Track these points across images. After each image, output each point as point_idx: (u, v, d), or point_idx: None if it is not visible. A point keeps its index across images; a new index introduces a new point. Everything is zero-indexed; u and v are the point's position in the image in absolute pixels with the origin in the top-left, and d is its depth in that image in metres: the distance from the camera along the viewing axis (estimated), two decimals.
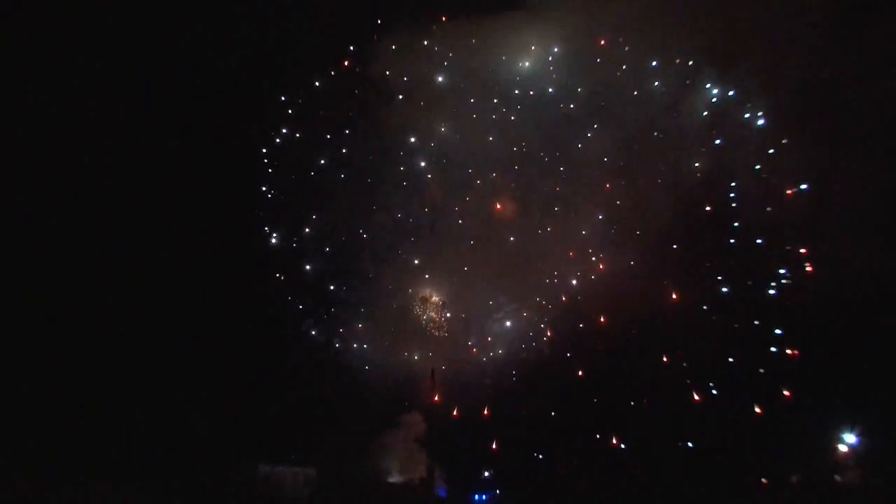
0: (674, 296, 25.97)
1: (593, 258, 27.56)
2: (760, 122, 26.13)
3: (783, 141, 25.55)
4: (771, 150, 25.83)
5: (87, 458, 21.45)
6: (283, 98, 29.23)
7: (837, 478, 22.88)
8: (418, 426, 25.57)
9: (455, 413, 26.00)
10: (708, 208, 26.71)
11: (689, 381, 24.91)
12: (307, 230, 28.68)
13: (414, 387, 26.48)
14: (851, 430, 22.84)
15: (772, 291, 25.35)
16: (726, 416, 24.28)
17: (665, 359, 25.43)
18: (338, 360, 27.58)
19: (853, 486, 22.36)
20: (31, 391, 22.76)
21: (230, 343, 25.64)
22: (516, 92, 29.03)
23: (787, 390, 24.11)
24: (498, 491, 25.28)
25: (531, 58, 28.66)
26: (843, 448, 22.94)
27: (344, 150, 29.01)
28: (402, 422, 25.78)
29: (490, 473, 25.51)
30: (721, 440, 24.17)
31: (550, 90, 28.78)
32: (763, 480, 23.72)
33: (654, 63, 27.76)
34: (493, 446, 25.38)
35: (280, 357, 26.91)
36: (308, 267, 28.59)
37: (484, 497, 25.22)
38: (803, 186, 24.89)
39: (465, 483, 25.37)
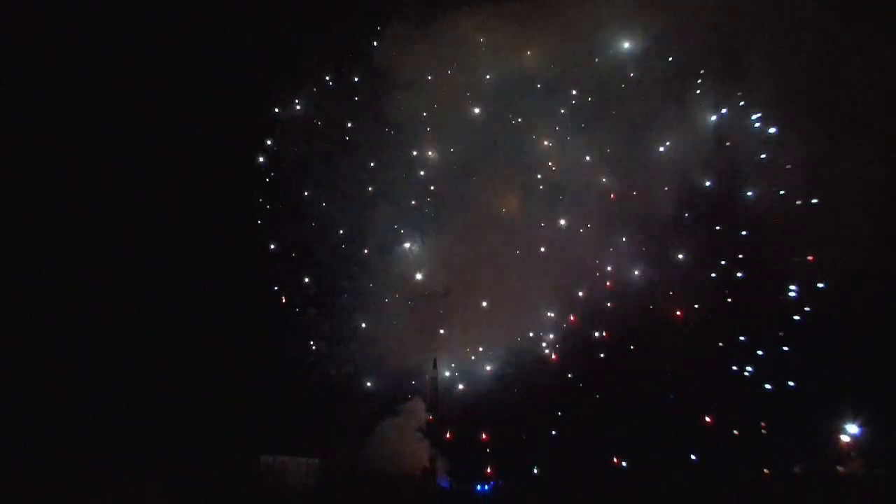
0: (678, 312, 25.81)
1: (598, 265, 27.42)
2: (771, 130, 25.73)
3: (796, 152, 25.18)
4: (780, 159, 25.40)
5: (88, 451, 21.44)
6: (284, 93, 29.37)
7: (840, 468, 22.85)
8: (420, 415, 25.61)
9: (449, 435, 25.77)
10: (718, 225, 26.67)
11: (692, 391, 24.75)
12: (310, 221, 28.77)
13: (417, 376, 26.61)
14: (854, 421, 22.81)
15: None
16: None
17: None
18: (340, 349, 27.60)
19: (856, 477, 22.33)
20: (31, 389, 22.85)
21: (232, 333, 25.75)
22: (520, 86, 29.24)
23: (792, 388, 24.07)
24: (500, 482, 25.28)
25: (534, 52, 28.78)
26: (845, 438, 22.91)
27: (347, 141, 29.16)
28: (404, 410, 25.87)
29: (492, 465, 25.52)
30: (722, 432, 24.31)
31: (553, 86, 28.96)
32: (765, 471, 23.71)
33: (659, 65, 27.88)
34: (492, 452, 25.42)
35: (282, 347, 27.02)
36: (309, 257, 28.65)
37: (486, 488, 25.22)
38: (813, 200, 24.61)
39: (468, 474, 25.33)
